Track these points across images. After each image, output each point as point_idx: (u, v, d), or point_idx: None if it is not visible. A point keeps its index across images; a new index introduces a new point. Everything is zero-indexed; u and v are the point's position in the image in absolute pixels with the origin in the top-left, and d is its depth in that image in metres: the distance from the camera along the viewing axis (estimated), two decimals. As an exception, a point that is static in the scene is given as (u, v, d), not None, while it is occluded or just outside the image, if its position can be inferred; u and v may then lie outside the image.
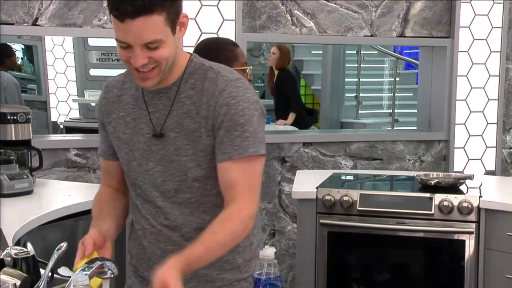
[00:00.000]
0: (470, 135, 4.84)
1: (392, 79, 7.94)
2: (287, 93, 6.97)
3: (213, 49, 2.57)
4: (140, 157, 1.88)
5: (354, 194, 3.45)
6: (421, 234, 3.43)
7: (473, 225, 3.35)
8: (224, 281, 1.94)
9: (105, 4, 4.02)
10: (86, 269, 1.51)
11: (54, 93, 7.82)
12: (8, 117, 3.22)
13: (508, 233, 3.28)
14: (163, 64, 1.75)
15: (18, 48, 8.35)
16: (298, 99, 7.14)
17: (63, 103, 7.77)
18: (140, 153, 1.88)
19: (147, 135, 1.86)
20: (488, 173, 4.85)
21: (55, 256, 1.66)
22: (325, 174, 3.95)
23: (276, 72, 7.07)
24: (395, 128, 7.35)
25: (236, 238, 1.79)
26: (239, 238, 1.80)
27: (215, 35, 4.16)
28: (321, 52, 8.66)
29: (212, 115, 1.79)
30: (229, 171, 1.79)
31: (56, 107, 7.77)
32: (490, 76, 4.83)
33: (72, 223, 2.92)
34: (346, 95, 8.70)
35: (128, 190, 1.99)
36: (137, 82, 1.82)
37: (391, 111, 7.66)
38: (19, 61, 8.22)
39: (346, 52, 8.66)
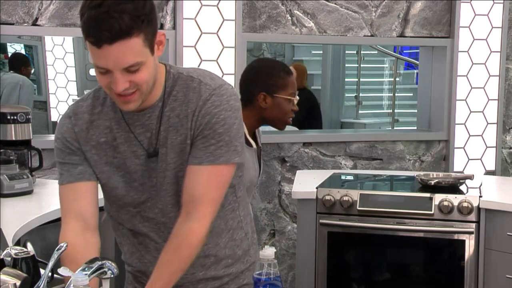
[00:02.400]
0: (470, 135, 4.83)
1: (392, 79, 7.94)
2: (311, 112, 6.99)
3: (265, 72, 2.56)
4: (141, 177, 1.85)
5: (354, 194, 3.45)
6: (421, 234, 3.43)
7: (473, 225, 3.35)
8: (231, 275, 1.97)
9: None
10: (86, 269, 1.51)
11: (54, 93, 7.81)
12: (8, 117, 3.22)
13: (508, 233, 3.28)
14: (144, 86, 1.72)
15: (18, 48, 8.35)
16: (319, 118, 7.16)
17: (63, 103, 7.76)
18: (140, 174, 1.85)
19: (142, 157, 1.83)
20: (488, 173, 4.85)
21: (55, 256, 1.65)
22: (325, 174, 3.95)
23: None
24: (395, 128, 7.35)
25: (192, 259, 1.80)
26: (194, 256, 1.81)
27: (215, 36, 4.17)
28: (321, 52, 8.66)
29: (194, 125, 1.79)
30: (195, 175, 1.78)
31: (56, 107, 7.76)
32: (490, 76, 4.83)
33: (72, 223, 2.91)
34: (346, 95, 8.70)
35: (96, 216, 1.89)
36: (119, 106, 1.77)
37: (391, 111, 7.66)
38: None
39: (346, 52, 8.67)
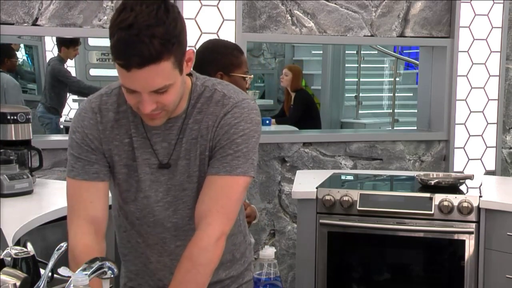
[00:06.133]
0: (470, 135, 4.83)
1: (392, 79, 7.94)
2: (309, 112, 7.00)
3: (220, 52, 2.57)
4: (148, 188, 1.82)
5: (354, 194, 3.45)
6: (421, 234, 3.43)
7: (473, 225, 3.35)
8: (233, 278, 1.99)
9: (105, 4, 4.02)
10: (86, 269, 1.51)
11: (54, 93, 7.79)
12: (8, 117, 3.22)
13: (508, 233, 3.28)
14: (171, 106, 1.71)
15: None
16: (318, 117, 7.18)
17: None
18: (148, 185, 1.82)
19: (154, 166, 1.80)
20: (488, 173, 4.85)
21: (55, 256, 1.66)
22: (325, 174, 3.95)
23: (292, 94, 7.08)
24: (395, 128, 7.35)
25: (209, 272, 1.73)
26: (212, 268, 1.74)
27: (215, 36, 4.16)
28: (321, 52, 8.66)
29: (213, 136, 1.77)
30: (210, 185, 1.76)
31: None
32: (490, 76, 4.83)
33: (72, 223, 2.91)
34: (346, 95, 8.71)
35: (106, 221, 1.85)
36: (145, 121, 1.76)
37: (391, 111, 7.66)
38: (21, 61, 8.20)
39: (346, 52, 8.67)
